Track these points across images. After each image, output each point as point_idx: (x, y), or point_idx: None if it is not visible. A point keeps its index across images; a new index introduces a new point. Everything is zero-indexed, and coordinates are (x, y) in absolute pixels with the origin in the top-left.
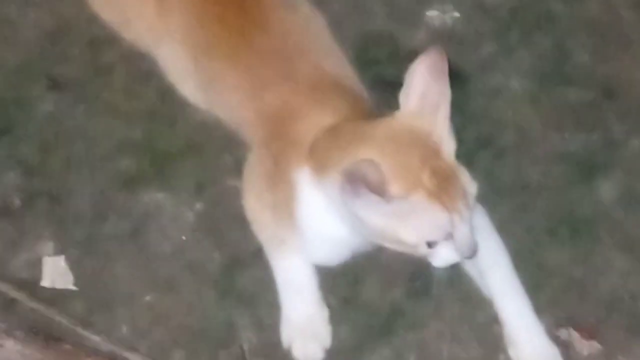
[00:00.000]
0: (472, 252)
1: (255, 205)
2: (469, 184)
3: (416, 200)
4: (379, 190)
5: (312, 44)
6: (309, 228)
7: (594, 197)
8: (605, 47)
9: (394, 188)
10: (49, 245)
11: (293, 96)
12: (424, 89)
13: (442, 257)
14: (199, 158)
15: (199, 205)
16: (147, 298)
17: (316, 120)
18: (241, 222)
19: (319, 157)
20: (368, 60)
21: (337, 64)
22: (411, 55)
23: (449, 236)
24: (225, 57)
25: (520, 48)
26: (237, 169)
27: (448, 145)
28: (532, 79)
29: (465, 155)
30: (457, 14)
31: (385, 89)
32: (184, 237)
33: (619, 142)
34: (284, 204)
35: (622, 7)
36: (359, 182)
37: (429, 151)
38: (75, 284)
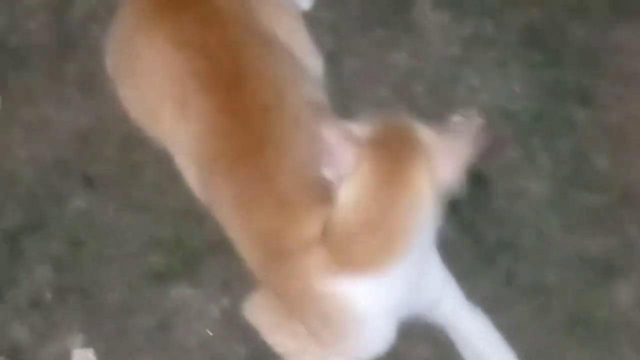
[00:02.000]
0: None
1: (289, 340)
2: None
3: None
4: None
5: (309, 163)
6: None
7: (612, 300)
8: (624, 153)
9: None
10: (78, 338)
11: (278, 217)
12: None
13: None
14: (225, 255)
15: (225, 301)
16: None
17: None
18: None
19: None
20: None
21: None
22: None
23: None
24: (222, 171)
25: (542, 153)
26: None
27: None
28: (552, 183)
29: (486, 256)
30: (480, 120)
31: None
32: (209, 332)
33: (637, 246)
34: (323, 323)
35: (638, 116)
36: None
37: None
38: None
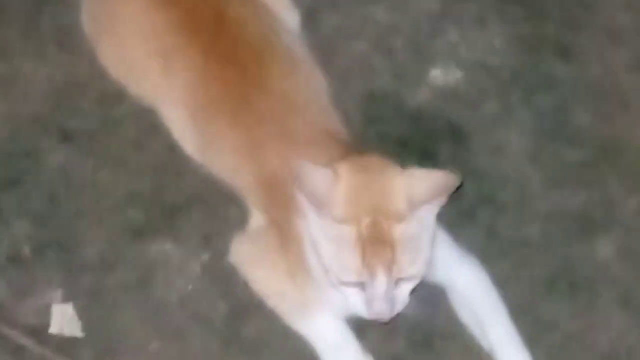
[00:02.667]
0: (380, 316)
1: (271, 279)
2: (406, 264)
3: (346, 233)
4: (319, 202)
5: (310, 104)
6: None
7: (593, 254)
8: (605, 108)
9: (336, 210)
10: (58, 293)
11: (291, 155)
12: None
13: (351, 302)
14: (205, 210)
15: (205, 256)
16: (153, 346)
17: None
18: None
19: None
20: (372, 118)
21: (333, 125)
22: (415, 114)
23: (361, 286)
24: (224, 118)
25: (522, 108)
26: (243, 221)
27: (406, 227)
28: (533, 138)
29: (467, 211)
30: (460, 74)
31: (389, 147)
32: (190, 287)
33: (618, 200)
34: (299, 263)
35: (621, 70)
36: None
37: (384, 210)
38: (83, 332)
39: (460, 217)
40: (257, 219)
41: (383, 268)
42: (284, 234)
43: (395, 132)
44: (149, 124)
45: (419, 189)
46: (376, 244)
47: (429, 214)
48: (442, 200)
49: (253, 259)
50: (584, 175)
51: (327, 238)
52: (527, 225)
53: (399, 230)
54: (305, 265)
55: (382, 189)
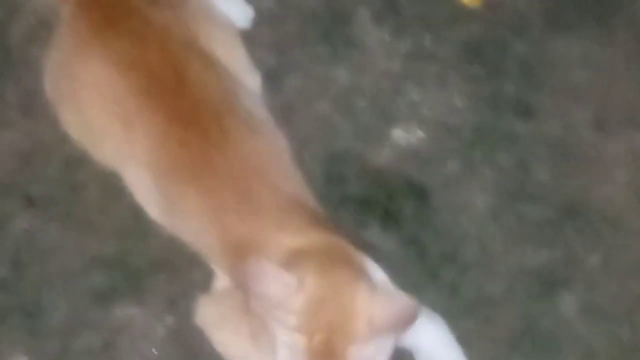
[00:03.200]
0: None
1: (234, 342)
2: None
3: (297, 342)
4: (272, 305)
5: (271, 167)
6: None
7: (556, 311)
8: (566, 166)
9: (291, 318)
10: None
11: (254, 222)
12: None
13: None
14: (170, 273)
15: (170, 320)
16: None
17: (280, 246)
18: None
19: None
20: (335, 179)
21: (295, 187)
22: (377, 174)
23: None
24: (187, 181)
25: (484, 166)
26: (207, 284)
27: (361, 350)
28: (495, 196)
29: (430, 270)
30: (422, 133)
31: (351, 207)
32: (154, 351)
33: (580, 257)
34: (261, 328)
35: (581, 128)
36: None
37: (341, 328)
38: None
39: (423, 275)
40: (221, 281)
41: None
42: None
43: (357, 192)
44: (112, 187)
45: (381, 314)
46: None
47: (387, 340)
48: (403, 331)
49: (217, 321)
50: (545, 233)
51: (278, 334)
52: (490, 283)
53: (353, 352)
54: (267, 330)
55: (344, 306)
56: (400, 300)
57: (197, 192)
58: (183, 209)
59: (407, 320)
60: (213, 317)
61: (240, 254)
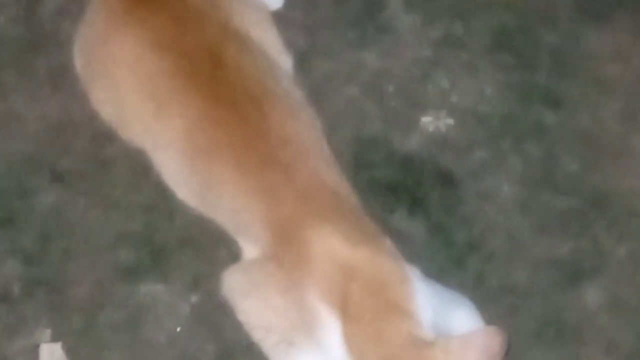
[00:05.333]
0: None
1: (261, 311)
2: None
3: None
4: None
5: (310, 151)
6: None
7: (580, 302)
8: (594, 157)
9: None
10: (47, 333)
11: (295, 205)
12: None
13: None
14: (195, 251)
15: (194, 298)
16: None
17: (323, 239)
18: (235, 315)
19: (360, 327)
20: (363, 164)
21: (332, 172)
22: (405, 160)
23: None
24: (226, 161)
25: (512, 155)
26: (233, 263)
27: None
28: (522, 186)
29: (456, 257)
30: (450, 121)
31: (379, 192)
32: (178, 329)
33: (606, 249)
34: (294, 307)
35: (610, 120)
36: None
37: None
38: None
39: (448, 264)
40: (250, 255)
41: None
42: (292, 281)
43: (384, 177)
44: (140, 165)
45: None
46: None
47: None
48: None
49: (245, 289)
50: (572, 223)
51: None
52: (515, 273)
53: None
54: (300, 310)
55: None
56: (479, 337)
57: (236, 172)
58: (220, 188)
59: (496, 354)
60: (241, 284)
61: (286, 234)
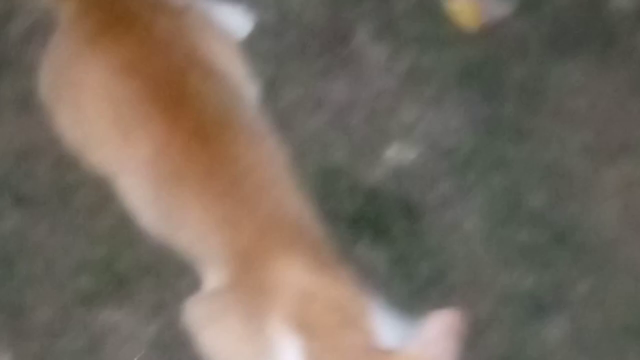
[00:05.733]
0: None
1: (224, 342)
2: None
3: None
4: None
5: (274, 180)
6: None
7: (541, 337)
8: (558, 191)
9: None
10: (6, 357)
11: (257, 235)
12: (432, 343)
13: None
14: (156, 280)
15: (154, 326)
16: None
17: (284, 269)
18: (195, 344)
19: (319, 344)
20: (327, 194)
21: (295, 201)
22: (369, 192)
23: None
24: (189, 190)
25: (476, 188)
26: (193, 291)
27: None
28: (486, 219)
29: (418, 290)
30: (415, 153)
31: (342, 223)
32: (136, 358)
33: (568, 284)
34: (260, 347)
35: (576, 154)
36: None
37: None
38: None
39: (411, 296)
40: (211, 284)
41: None
42: (248, 304)
43: (348, 208)
44: (103, 191)
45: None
46: None
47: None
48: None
49: (206, 320)
50: (535, 257)
51: None
52: (477, 306)
53: None
54: (261, 339)
55: None
56: (435, 325)
57: (200, 202)
58: (183, 216)
59: (460, 330)
60: (202, 315)
61: (249, 263)
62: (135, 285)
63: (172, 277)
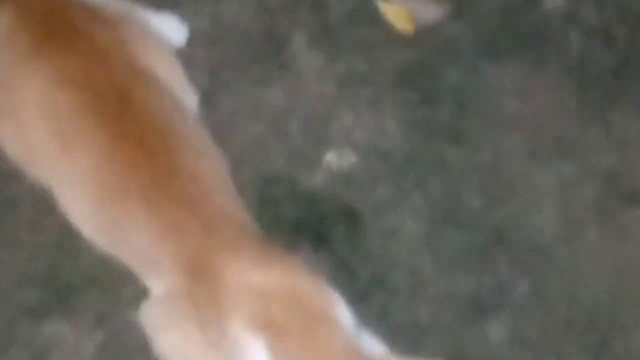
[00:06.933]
0: None
1: (182, 345)
2: None
3: None
4: None
5: (217, 188)
6: None
7: (484, 338)
8: (496, 193)
9: None
10: None
11: (203, 240)
12: None
13: None
14: (100, 290)
15: (99, 337)
16: None
17: (234, 269)
18: (140, 353)
19: (289, 344)
20: (267, 201)
21: (237, 208)
22: (309, 197)
23: None
24: (134, 200)
25: (415, 191)
26: (138, 302)
27: None
28: (425, 222)
29: (360, 293)
30: (353, 158)
31: (283, 229)
32: None
33: (508, 285)
34: (223, 352)
35: (512, 156)
36: None
37: None
38: None
39: (352, 300)
40: (159, 291)
41: None
42: (204, 311)
43: (289, 215)
44: (45, 204)
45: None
46: None
47: None
48: None
49: (165, 326)
50: (474, 260)
51: None
52: (419, 308)
53: None
54: (223, 344)
55: None
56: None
57: (145, 211)
58: (128, 227)
59: None
60: (159, 320)
61: (197, 273)
62: (79, 297)
63: (116, 287)
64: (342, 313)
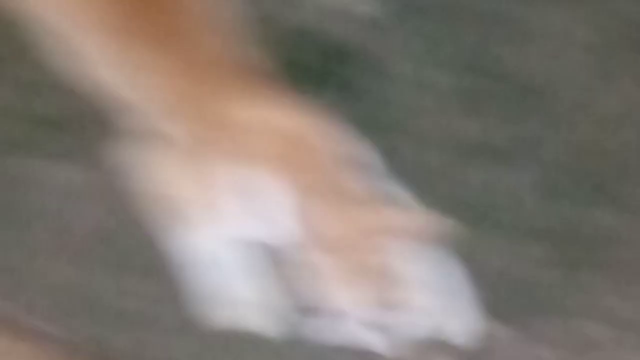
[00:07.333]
0: None
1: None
2: None
3: None
4: None
5: (220, 27)
6: None
7: (512, 188)
8: (528, 45)
9: None
10: None
11: (213, 79)
12: None
13: None
14: (75, 127)
15: (67, 173)
16: None
17: (245, 110)
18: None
19: None
20: (293, 52)
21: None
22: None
23: None
24: (141, 39)
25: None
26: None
27: None
28: (456, 72)
29: (386, 143)
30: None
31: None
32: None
33: (539, 135)
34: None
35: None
36: None
37: None
38: None
39: (379, 149)
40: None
41: None
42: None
43: (314, 64)
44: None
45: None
46: None
47: None
48: None
49: (160, 160)
50: (505, 109)
51: None
52: (450, 157)
53: None
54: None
55: None
56: None
57: (149, 49)
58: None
59: None
60: (159, 158)
61: (205, 111)
62: (52, 134)
63: (92, 126)
64: (367, 156)
